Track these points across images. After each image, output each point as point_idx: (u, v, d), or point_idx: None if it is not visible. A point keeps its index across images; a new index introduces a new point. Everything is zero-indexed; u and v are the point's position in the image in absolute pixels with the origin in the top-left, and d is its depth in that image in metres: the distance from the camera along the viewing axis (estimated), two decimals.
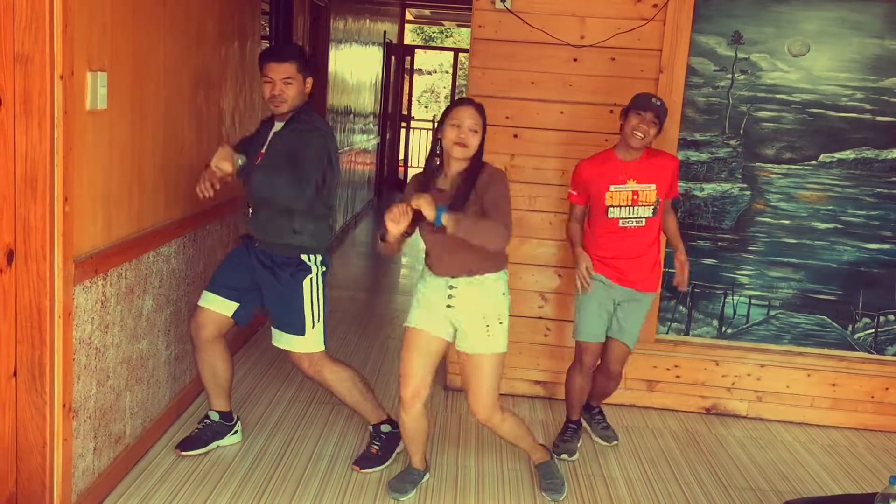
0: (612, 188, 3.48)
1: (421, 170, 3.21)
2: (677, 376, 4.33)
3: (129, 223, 3.08)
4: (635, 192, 3.48)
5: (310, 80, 3.27)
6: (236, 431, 3.60)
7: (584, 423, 3.92)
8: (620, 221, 3.50)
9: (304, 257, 3.27)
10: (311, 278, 3.29)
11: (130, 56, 2.99)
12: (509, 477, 3.51)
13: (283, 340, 3.33)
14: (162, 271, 3.45)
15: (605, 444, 3.87)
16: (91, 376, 2.88)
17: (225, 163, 3.05)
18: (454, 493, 3.35)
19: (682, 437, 4.06)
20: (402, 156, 13.63)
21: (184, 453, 3.43)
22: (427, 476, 3.40)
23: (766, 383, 4.35)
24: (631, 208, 3.50)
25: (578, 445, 3.81)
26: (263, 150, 3.27)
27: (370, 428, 3.54)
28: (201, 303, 3.36)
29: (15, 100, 2.47)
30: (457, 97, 14.95)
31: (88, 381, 2.87)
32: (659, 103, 3.43)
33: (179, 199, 3.60)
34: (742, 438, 4.02)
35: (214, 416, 3.53)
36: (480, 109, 3.02)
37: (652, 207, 3.50)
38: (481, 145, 3.02)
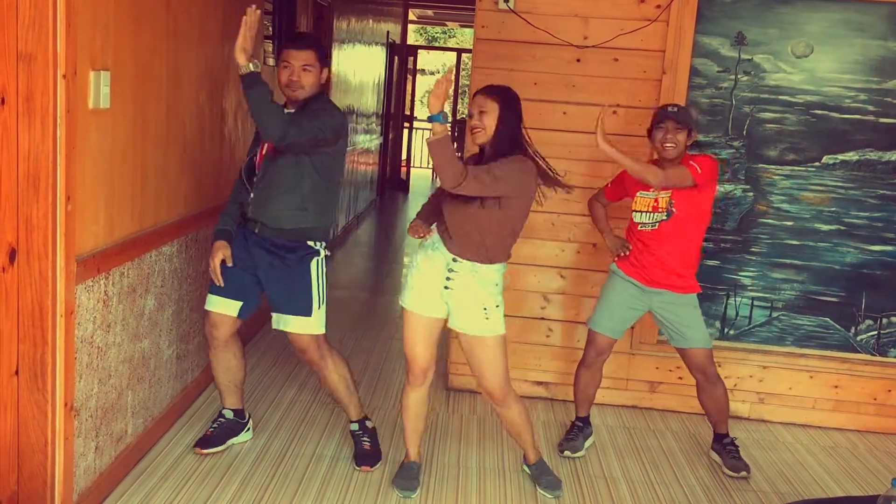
0: (639, 194, 3.57)
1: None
2: (679, 377, 4.32)
3: (131, 222, 3.09)
4: (656, 200, 3.52)
5: (326, 71, 3.30)
6: (249, 429, 3.62)
7: (717, 455, 3.78)
8: (639, 226, 3.57)
9: (310, 243, 3.29)
10: (318, 261, 3.32)
11: (133, 55, 2.99)
12: (511, 476, 3.51)
13: (288, 323, 3.32)
14: (164, 270, 3.45)
15: (733, 474, 3.66)
16: (93, 375, 2.88)
17: (220, 254, 3.27)
18: (455, 492, 3.35)
19: (684, 439, 4.05)
20: (404, 156, 13.64)
21: (203, 451, 3.44)
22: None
23: (769, 385, 4.34)
24: (649, 214, 3.54)
25: (586, 444, 3.81)
26: None
27: (354, 425, 3.55)
28: (207, 306, 3.37)
29: (18, 99, 2.47)
30: (459, 97, 14.96)
31: (90, 380, 2.87)
32: (676, 109, 3.49)
33: (181, 199, 3.60)
34: (744, 440, 4.01)
35: (229, 415, 3.55)
36: (491, 92, 3.06)
37: (665, 212, 3.51)
38: (501, 129, 3.04)
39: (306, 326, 3.32)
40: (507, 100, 3.06)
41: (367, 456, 3.49)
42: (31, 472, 2.67)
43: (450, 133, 2.93)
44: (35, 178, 2.51)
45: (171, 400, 3.67)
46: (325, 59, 3.28)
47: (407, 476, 3.33)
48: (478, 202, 3.01)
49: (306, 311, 3.29)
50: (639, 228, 3.57)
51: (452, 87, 15.99)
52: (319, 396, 4.18)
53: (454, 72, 3.24)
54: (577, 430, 3.81)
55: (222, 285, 3.29)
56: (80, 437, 2.83)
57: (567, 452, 3.72)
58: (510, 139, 3.06)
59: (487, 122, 3.03)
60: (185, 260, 3.69)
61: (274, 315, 3.35)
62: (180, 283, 3.66)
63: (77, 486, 2.84)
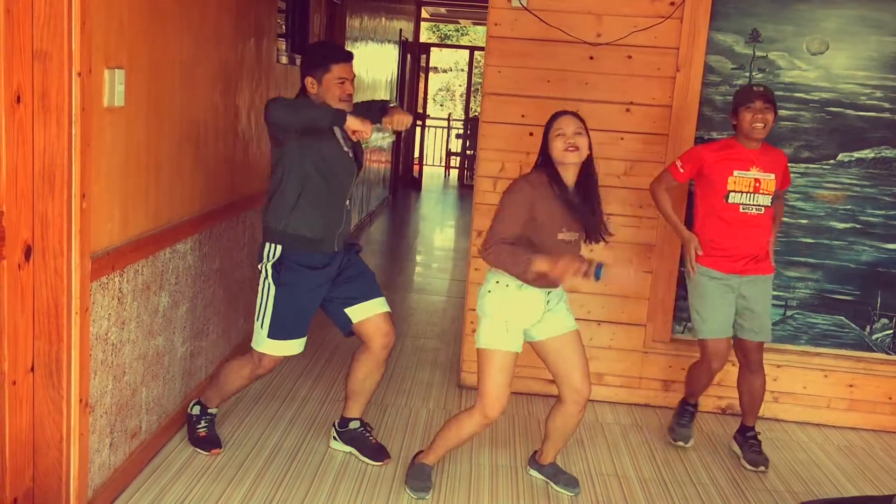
0: (735, 173, 3.52)
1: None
2: None
3: (145, 220, 3.10)
4: (757, 181, 3.52)
5: None
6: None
7: (739, 447, 3.82)
8: (741, 207, 3.53)
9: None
10: None
11: (147, 53, 3.00)
12: (523, 475, 3.51)
13: (384, 303, 3.44)
14: (178, 268, 3.46)
15: (751, 467, 3.70)
16: (107, 372, 2.90)
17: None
18: (468, 491, 3.35)
19: (698, 438, 4.04)
20: (417, 154, 13.64)
21: (219, 450, 3.46)
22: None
23: (783, 384, 4.32)
24: (752, 195, 3.53)
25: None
26: (349, 150, 3.28)
27: (355, 423, 3.54)
28: (285, 352, 3.31)
29: (33, 97, 2.48)
30: (472, 95, 14.94)
31: (105, 377, 2.88)
32: (762, 88, 3.50)
33: (195, 196, 3.61)
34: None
35: (214, 412, 3.55)
36: (577, 116, 3.08)
37: (770, 197, 3.53)
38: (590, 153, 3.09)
39: (387, 304, 3.44)
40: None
41: (379, 449, 3.51)
42: (47, 468, 2.69)
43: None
44: (50, 176, 2.52)
45: (184, 397, 3.68)
46: None
47: (420, 477, 3.31)
48: (579, 239, 3.09)
49: (381, 292, 3.44)
50: (741, 210, 3.52)
51: (466, 85, 15.84)
52: (332, 393, 4.19)
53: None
54: (689, 415, 3.89)
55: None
56: (95, 433, 2.85)
57: (681, 442, 3.86)
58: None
59: (582, 143, 3.01)
60: (199, 257, 3.70)
61: (357, 307, 3.35)
62: (194, 281, 3.67)
63: (92, 482, 2.85)
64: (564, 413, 3.25)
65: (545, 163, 3.07)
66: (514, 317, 3.07)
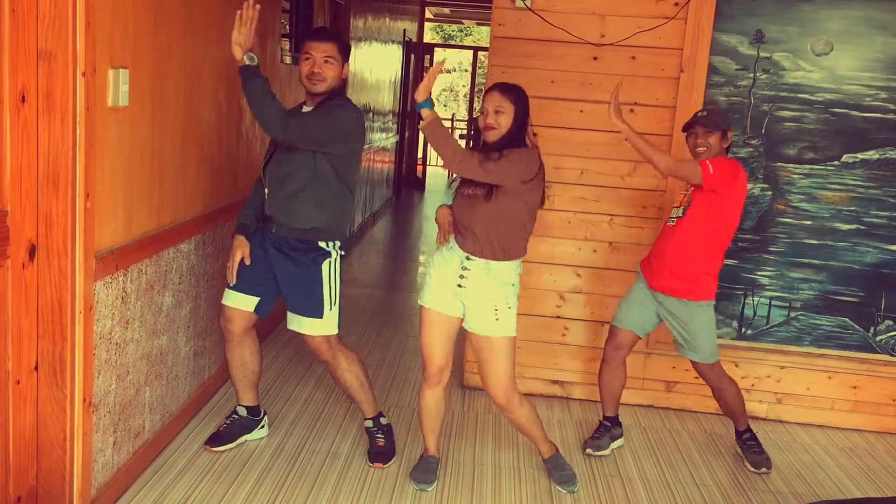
0: (684, 191, 3.59)
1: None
2: (696, 377, 4.29)
3: (149, 219, 3.10)
4: (683, 195, 3.56)
5: (347, 65, 3.30)
6: (263, 426, 3.63)
7: (741, 450, 3.80)
8: (669, 220, 3.58)
9: (322, 244, 3.27)
10: (330, 262, 3.30)
11: (152, 53, 3.01)
12: (526, 473, 3.51)
13: (301, 324, 3.34)
14: (182, 267, 3.47)
15: (753, 469, 3.71)
16: (111, 371, 2.90)
17: (240, 252, 3.30)
18: (471, 490, 3.35)
19: (701, 439, 4.03)
20: (420, 154, 13.64)
21: (214, 449, 3.46)
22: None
23: (786, 385, 4.31)
24: (676, 208, 3.56)
25: (612, 445, 3.80)
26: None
27: (368, 422, 3.54)
28: (224, 301, 3.39)
29: (38, 96, 2.49)
30: (476, 95, 14.94)
31: (108, 376, 2.89)
32: (704, 113, 3.48)
33: (199, 196, 3.62)
34: (761, 440, 3.97)
35: (242, 412, 3.56)
36: (507, 91, 3.11)
37: (682, 209, 3.50)
38: (513, 129, 3.09)
39: (318, 328, 3.32)
40: (522, 100, 3.11)
41: (380, 453, 3.50)
42: (50, 466, 2.69)
43: (438, 116, 3.06)
44: (55, 176, 2.53)
45: (188, 396, 3.69)
46: (346, 53, 3.28)
47: (424, 470, 3.34)
48: (483, 196, 3.04)
49: (318, 312, 3.30)
50: (668, 223, 3.58)
51: (469, 86, 15.90)
52: (335, 394, 4.19)
53: (444, 63, 3.33)
54: (604, 429, 3.80)
55: (235, 283, 3.31)
56: (99, 432, 2.86)
57: (589, 450, 3.72)
58: (518, 139, 3.10)
59: (503, 122, 3.07)
60: (202, 257, 3.70)
61: (288, 314, 3.37)
62: (198, 280, 3.68)
63: (95, 482, 2.86)
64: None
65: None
66: (433, 271, 3.22)
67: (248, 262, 3.30)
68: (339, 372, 3.42)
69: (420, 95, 2.97)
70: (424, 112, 3.00)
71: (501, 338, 3.15)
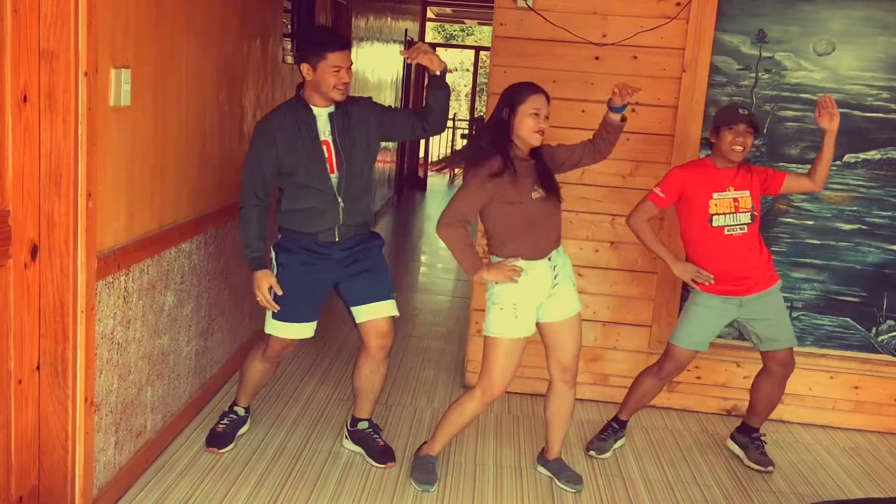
0: (715, 196, 3.45)
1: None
2: (698, 377, 4.30)
3: (151, 219, 3.11)
4: (735, 199, 3.46)
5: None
6: (248, 419, 3.69)
7: (739, 447, 3.81)
8: (726, 229, 3.46)
9: (374, 230, 3.42)
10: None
11: (154, 53, 3.01)
12: (528, 473, 3.51)
13: (386, 307, 3.35)
14: (183, 267, 3.47)
15: (759, 468, 3.70)
16: (113, 371, 2.91)
17: (266, 282, 3.23)
18: (472, 489, 3.35)
19: (703, 439, 4.03)
20: (422, 154, 13.65)
21: (221, 451, 3.46)
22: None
23: (788, 385, 4.26)
24: (734, 215, 3.46)
25: (614, 446, 3.79)
26: (329, 138, 3.22)
27: (363, 423, 3.55)
28: (284, 334, 3.30)
29: (40, 96, 2.49)
30: (477, 95, 14.94)
31: (110, 376, 2.89)
32: (747, 112, 3.43)
33: (201, 196, 3.62)
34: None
35: (241, 412, 3.62)
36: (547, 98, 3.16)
37: (749, 214, 3.47)
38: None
39: (395, 307, 3.39)
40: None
41: (385, 451, 3.50)
42: (52, 466, 2.70)
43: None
44: (57, 175, 2.53)
45: (189, 396, 3.69)
46: None
47: (425, 470, 3.34)
48: (557, 195, 3.18)
49: (392, 293, 3.38)
50: (726, 233, 3.45)
51: (471, 85, 15.89)
52: (337, 394, 4.19)
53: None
54: (611, 431, 3.79)
55: (277, 310, 3.24)
56: (100, 432, 2.86)
57: (593, 453, 3.71)
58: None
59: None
60: (204, 257, 3.71)
61: (361, 308, 3.33)
62: (199, 280, 3.68)
63: (97, 481, 2.86)
64: (556, 394, 3.34)
65: (501, 137, 3.11)
66: (522, 300, 3.13)
67: (278, 292, 3.22)
68: (384, 367, 3.44)
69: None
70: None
71: (580, 310, 3.30)
